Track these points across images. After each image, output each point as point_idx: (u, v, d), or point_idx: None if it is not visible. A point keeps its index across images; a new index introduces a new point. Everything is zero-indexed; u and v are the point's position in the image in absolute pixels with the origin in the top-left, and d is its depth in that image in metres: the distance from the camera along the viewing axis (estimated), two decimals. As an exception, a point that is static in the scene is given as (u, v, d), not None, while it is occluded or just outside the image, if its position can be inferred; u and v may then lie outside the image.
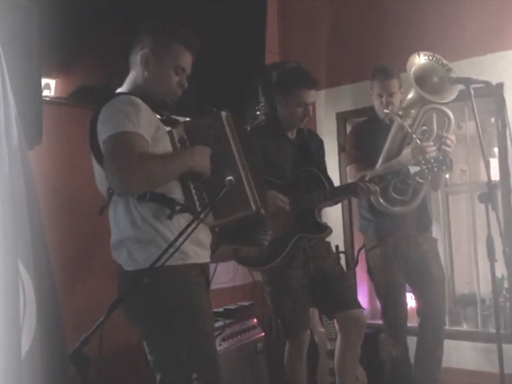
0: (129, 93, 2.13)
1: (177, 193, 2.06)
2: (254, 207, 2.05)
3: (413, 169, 2.98)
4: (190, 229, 1.86)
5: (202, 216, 1.94)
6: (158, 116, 2.13)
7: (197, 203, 2.03)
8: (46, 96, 2.95)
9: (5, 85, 2.02)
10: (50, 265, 2.17)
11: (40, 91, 2.64)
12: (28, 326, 1.97)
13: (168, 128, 2.14)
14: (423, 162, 2.96)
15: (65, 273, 2.81)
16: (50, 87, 3.05)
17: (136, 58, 2.15)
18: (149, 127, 2.00)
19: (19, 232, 1.98)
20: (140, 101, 2.03)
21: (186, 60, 2.18)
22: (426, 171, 2.98)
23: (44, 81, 2.89)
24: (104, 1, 3.19)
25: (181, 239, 1.86)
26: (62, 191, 3.16)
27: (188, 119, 2.28)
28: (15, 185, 1.99)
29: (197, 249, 2.09)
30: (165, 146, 2.07)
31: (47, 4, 2.77)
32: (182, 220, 2.05)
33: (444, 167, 2.98)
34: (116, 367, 2.83)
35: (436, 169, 2.97)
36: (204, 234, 2.13)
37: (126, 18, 3.24)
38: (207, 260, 2.18)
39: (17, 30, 2.35)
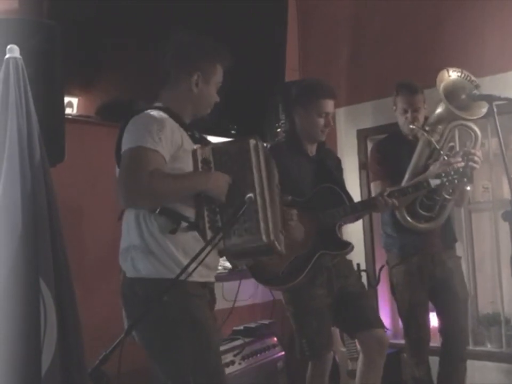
0: (161, 107, 2.14)
1: (190, 212, 2.07)
2: (265, 239, 2.01)
3: (433, 182, 2.94)
4: (203, 253, 1.83)
5: (215, 239, 1.92)
6: (188, 133, 2.16)
7: (207, 224, 2.03)
8: (69, 114, 2.98)
9: (28, 103, 2.05)
10: (71, 283, 2.17)
11: (63, 109, 2.66)
12: (48, 343, 1.97)
13: (195, 146, 2.15)
14: (443, 174, 2.92)
15: (84, 289, 2.82)
16: (72, 105, 3.09)
17: (185, 78, 2.18)
18: (170, 146, 2.03)
19: (40, 249, 1.99)
20: (167, 118, 2.07)
21: (221, 76, 2.29)
22: (446, 183, 2.92)
23: (67, 99, 2.92)
24: (125, 19, 3.23)
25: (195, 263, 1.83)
26: (83, 208, 3.18)
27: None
28: (37, 202, 2.00)
29: (200, 268, 2.04)
30: (184, 165, 2.08)
31: (70, 23, 2.83)
32: (189, 237, 2.06)
33: (465, 179, 2.92)
34: (135, 385, 2.82)
35: (456, 181, 2.92)
36: (209, 256, 2.09)
37: (147, 36, 3.28)
38: (211, 279, 2.19)
39: (41, 49, 2.38)
